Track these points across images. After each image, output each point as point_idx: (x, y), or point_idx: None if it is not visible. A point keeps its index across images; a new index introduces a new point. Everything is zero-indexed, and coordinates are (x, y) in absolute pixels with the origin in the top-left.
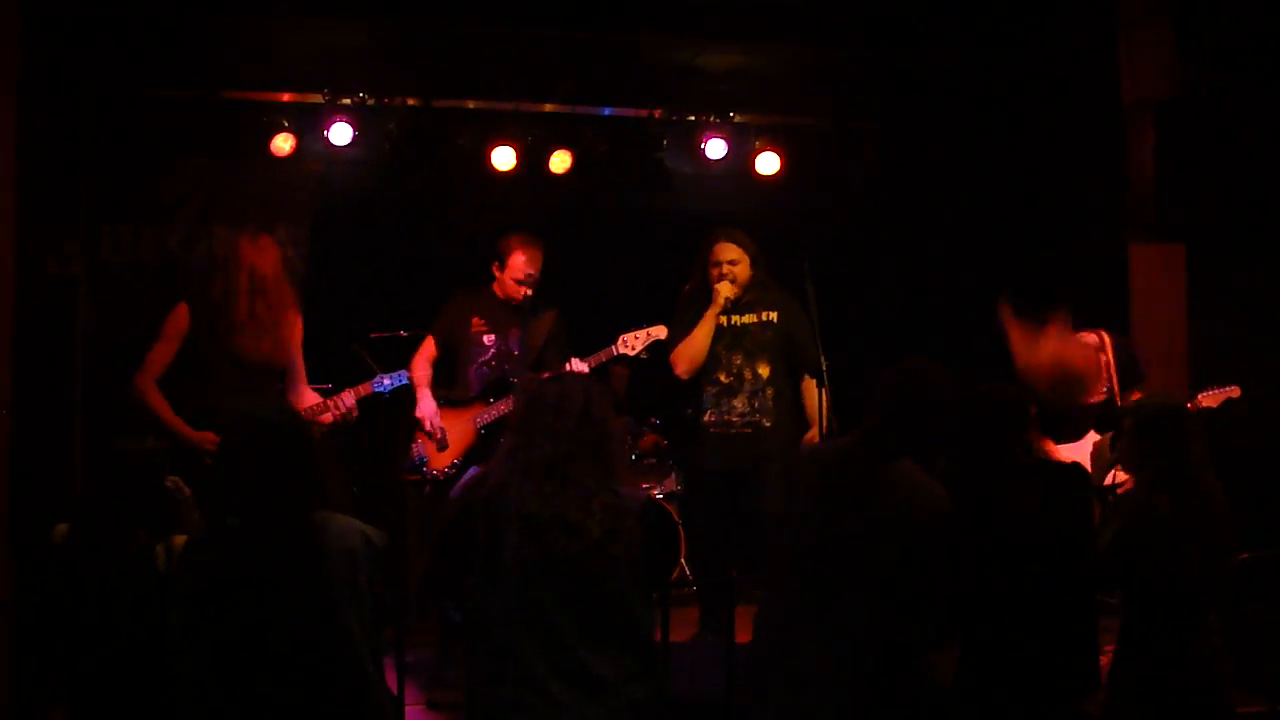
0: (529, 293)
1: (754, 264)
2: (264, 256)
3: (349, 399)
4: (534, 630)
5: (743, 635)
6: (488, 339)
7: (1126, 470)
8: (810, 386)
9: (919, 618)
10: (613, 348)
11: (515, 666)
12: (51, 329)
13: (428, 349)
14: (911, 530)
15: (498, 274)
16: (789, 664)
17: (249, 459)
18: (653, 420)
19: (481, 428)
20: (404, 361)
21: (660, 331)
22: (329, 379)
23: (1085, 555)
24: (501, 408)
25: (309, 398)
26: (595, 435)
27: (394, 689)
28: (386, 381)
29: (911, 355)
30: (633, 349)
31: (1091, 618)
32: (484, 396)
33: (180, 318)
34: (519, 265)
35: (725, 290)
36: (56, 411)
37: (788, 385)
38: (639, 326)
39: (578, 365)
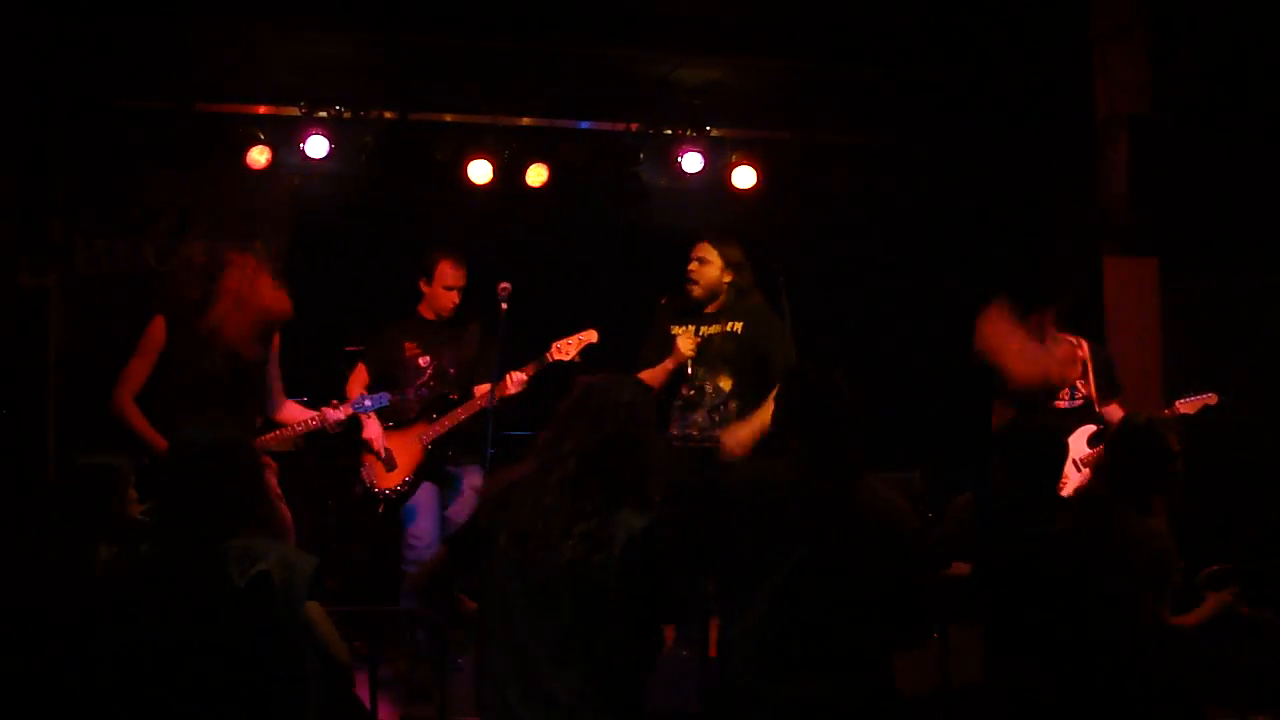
0: (458, 300)
1: (732, 270)
2: (249, 274)
3: (298, 429)
4: (505, 638)
5: (717, 650)
6: (422, 361)
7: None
8: None
9: (903, 625)
10: (546, 355)
11: (497, 670)
12: (25, 342)
13: (360, 375)
14: (894, 547)
15: (425, 289)
16: (782, 691)
17: (164, 484)
18: None
19: (429, 444)
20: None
21: (591, 335)
22: (304, 391)
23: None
24: (446, 423)
25: (290, 412)
26: (620, 454)
27: (366, 703)
28: (368, 402)
29: (869, 368)
30: (566, 354)
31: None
32: (426, 415)
33: (157, 331)
34: (447, 273)
35: (685, 349)
36: (30, 425)
37: (754, 398)
38: (572, 332)
39: (515, 377)
